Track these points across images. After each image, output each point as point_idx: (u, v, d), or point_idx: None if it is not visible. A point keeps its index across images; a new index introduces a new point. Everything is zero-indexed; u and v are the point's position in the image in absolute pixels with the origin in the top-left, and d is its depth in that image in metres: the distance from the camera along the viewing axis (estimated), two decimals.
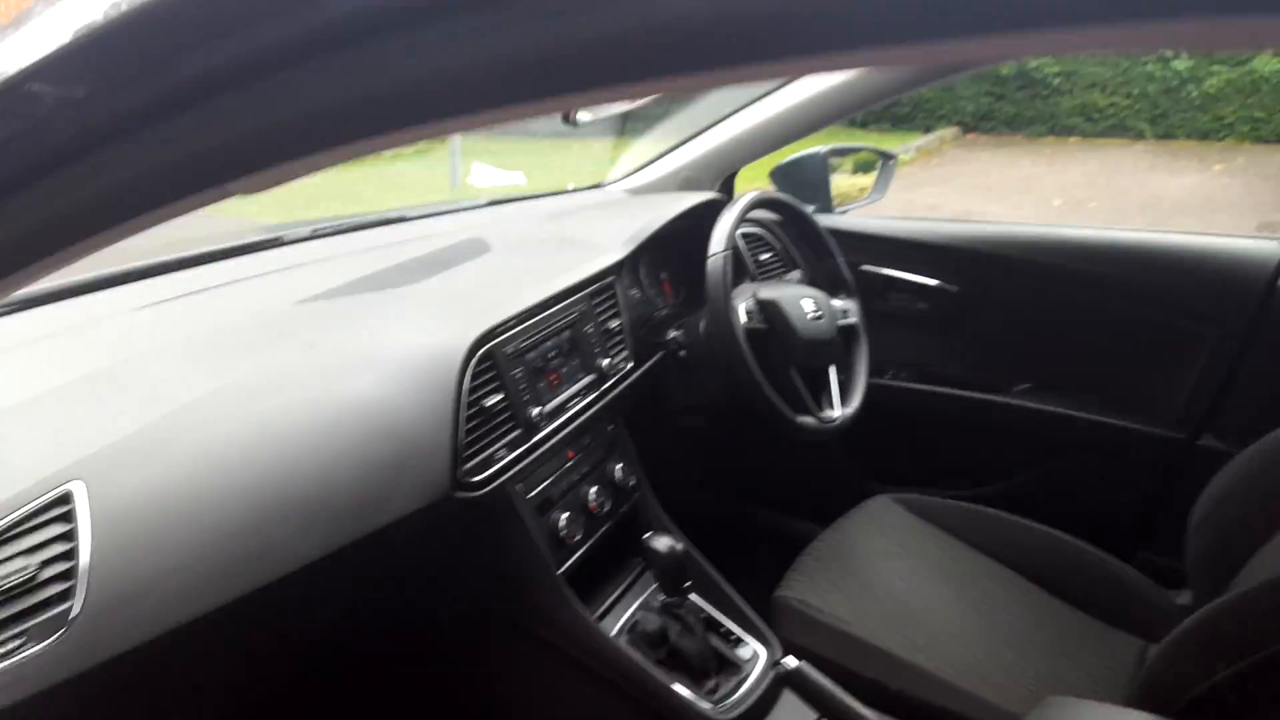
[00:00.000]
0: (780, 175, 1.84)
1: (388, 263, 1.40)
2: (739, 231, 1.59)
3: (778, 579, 1.38)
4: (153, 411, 0.96)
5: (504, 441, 1.20)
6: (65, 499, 0.85)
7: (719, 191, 1.86)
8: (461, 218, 1.74)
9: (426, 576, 1.27)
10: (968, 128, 10.20)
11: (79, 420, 0.94)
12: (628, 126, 2.02)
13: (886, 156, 1.98)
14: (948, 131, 10.00)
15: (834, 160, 1.90)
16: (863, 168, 2.25)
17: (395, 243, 1.54)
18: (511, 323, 1.23)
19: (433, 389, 1.12)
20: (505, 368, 1.21)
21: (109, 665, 0.84)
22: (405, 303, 1.26)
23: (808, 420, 1.43)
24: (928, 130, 10.04)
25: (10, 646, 0.78)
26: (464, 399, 1.13)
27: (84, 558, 0.83)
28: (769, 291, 1.47)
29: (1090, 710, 1.07)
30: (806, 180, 1.82)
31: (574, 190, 1.91)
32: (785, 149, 1.85)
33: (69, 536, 0.84)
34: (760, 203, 1.51)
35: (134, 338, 1.14)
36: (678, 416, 1.62)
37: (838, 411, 1.49)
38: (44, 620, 0.81)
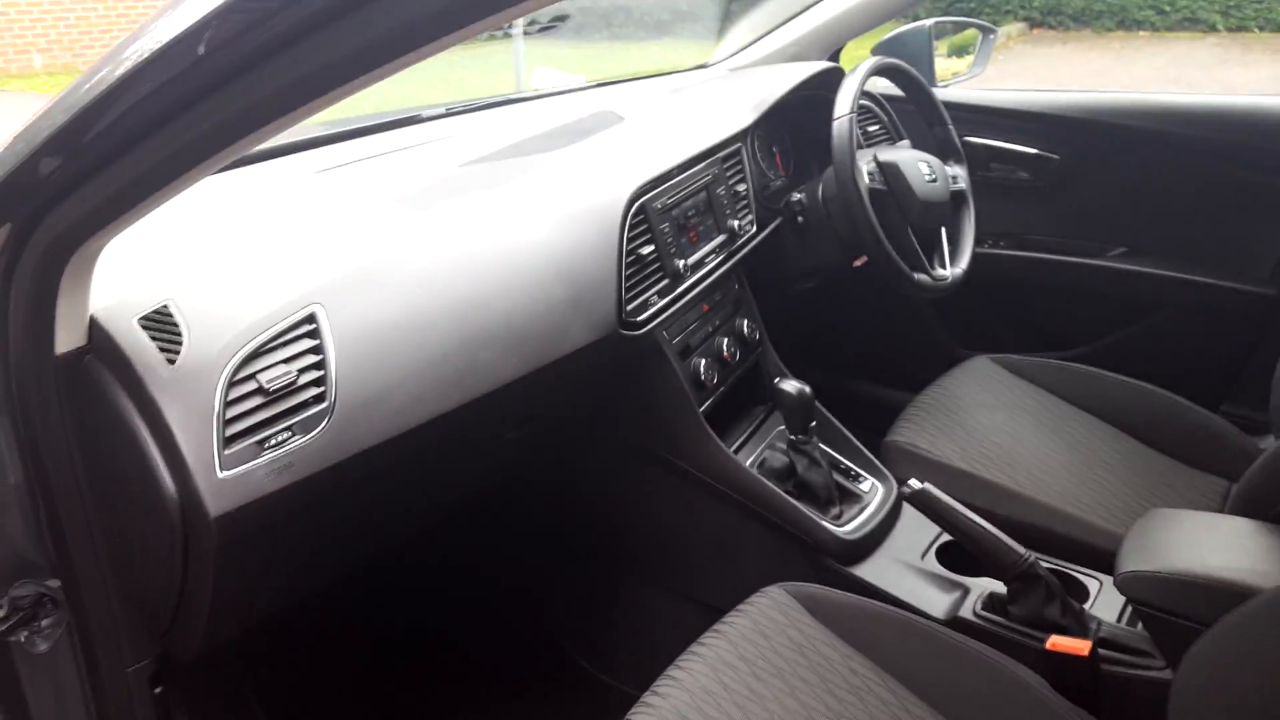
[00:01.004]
0: (885, 49, 1.89)
1: (533, 132, 1.51)
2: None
3: (882, 436, 1.50)
4: (371, 250, 1.10)
5: (655, 289, 1.33)
6: (311, 318, 0.99)
7: None
8: (581, 96, 1.83)
9: (589, 407, 1.42)
10: (1034, 23, 9.86)
11: (311, 257, 1.08)
12: (733, 7, 2.07)
13: (986, 31, 2.02)
14: (1014, 27, 9.69)
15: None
16: (956, 51, 2.29)
17: (527, 120, 1.64)
18: (660, 180, 1.35)
19: (599, 237, 1.25)
20: (655, 221, 1.33)
21: (358, 458, 1.00)
22: (562, 164, 1.37)
23: (923, 278, 1.53)
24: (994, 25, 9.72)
25: (283, 438, 0.94)
26: (624, 247, 1.26)
27: (331, 366, 0.98)
28: (888, 154, 1.55)
29: (1190, 518, 1.19)
30: (910, 55, 1.87)
31: (684, 70, 1.99)
32: (887, 25, 1.89)
33: (317, 350, 0.99)
34: (880, 69, 1.58)
35: (329, 193, 1.27)
36: (792, 280, 1.73)
37: (948, 271, 1.58)
38: (306, 418, 0.96)
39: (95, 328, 0.89)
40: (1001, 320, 2.00)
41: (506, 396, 1.15)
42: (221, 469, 0.88)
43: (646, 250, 1.31)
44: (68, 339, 0.88)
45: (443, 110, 1.69)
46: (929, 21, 1.88)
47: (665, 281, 1.35)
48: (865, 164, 1.52)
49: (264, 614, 1.12)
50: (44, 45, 9.87)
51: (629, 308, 1.27)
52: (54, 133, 0.72)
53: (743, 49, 1.97)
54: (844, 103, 1.48)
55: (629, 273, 1.28)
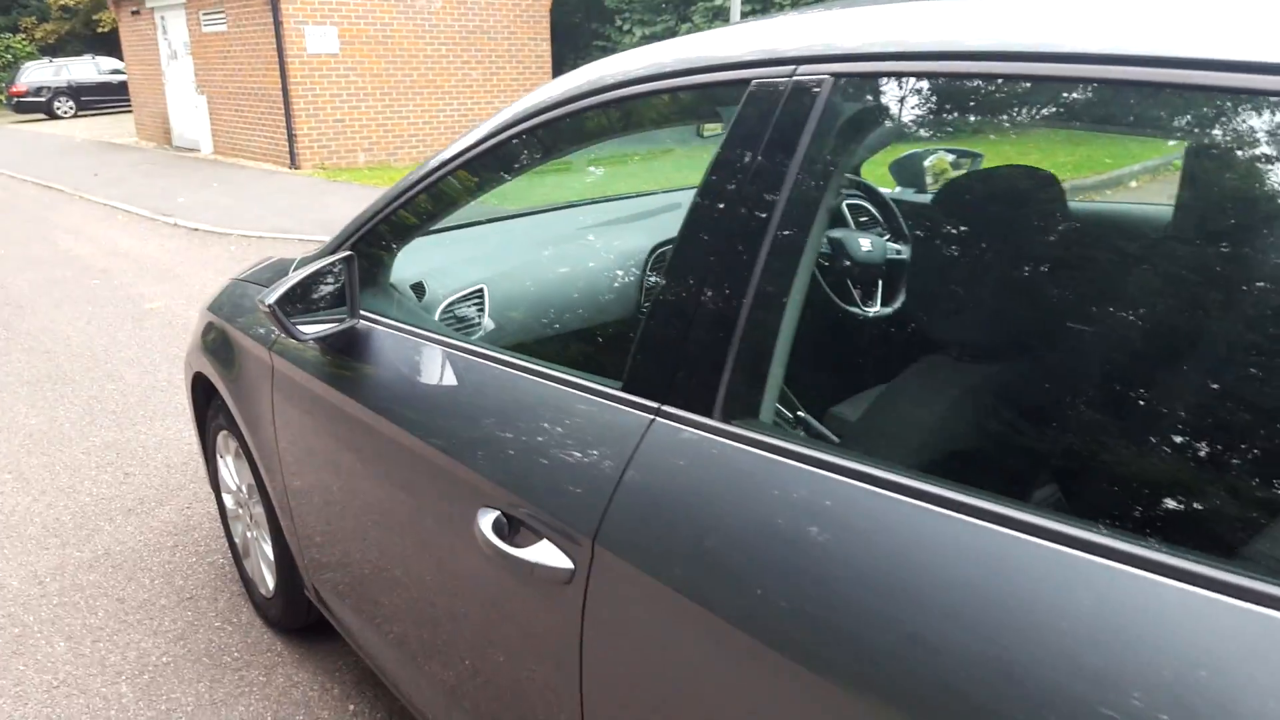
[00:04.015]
0: (896, 166, 2.80)
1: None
2: (846, 202, 2.58)
3: None
4: (521, 261, 2.21)
5: None
6: (480, 291, 2.10)
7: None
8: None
9: None
10: None
11: (486, 260, 2.20)
12: None
13: (977, 156, 2.85)
14: None
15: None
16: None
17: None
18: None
19: (633, 268, 2.28)
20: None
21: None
22: (633, 228, 2.43)
23: (851, 309, 2.41)
24: None
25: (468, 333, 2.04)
26: (645, 275, 2.29)
27: (487, 319, 2.07)
28: (837, 234, 2.47)
29: None
30: (913, 168, 2.76)
31: None
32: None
33: (481, 310, 2.09)
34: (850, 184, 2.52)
35: (514, 236, 2.42)
36: None
37: (875, 310, 2.44)
38: (474, 329, 2.05)
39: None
40: None
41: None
42: None
43: (653, 279, 2.32)
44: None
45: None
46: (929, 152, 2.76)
47: None
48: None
49: None
50: (366, 146, 12.51)
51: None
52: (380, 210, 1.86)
53: None
54: None
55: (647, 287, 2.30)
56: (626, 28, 16.20)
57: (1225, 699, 0.63)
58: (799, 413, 1.36)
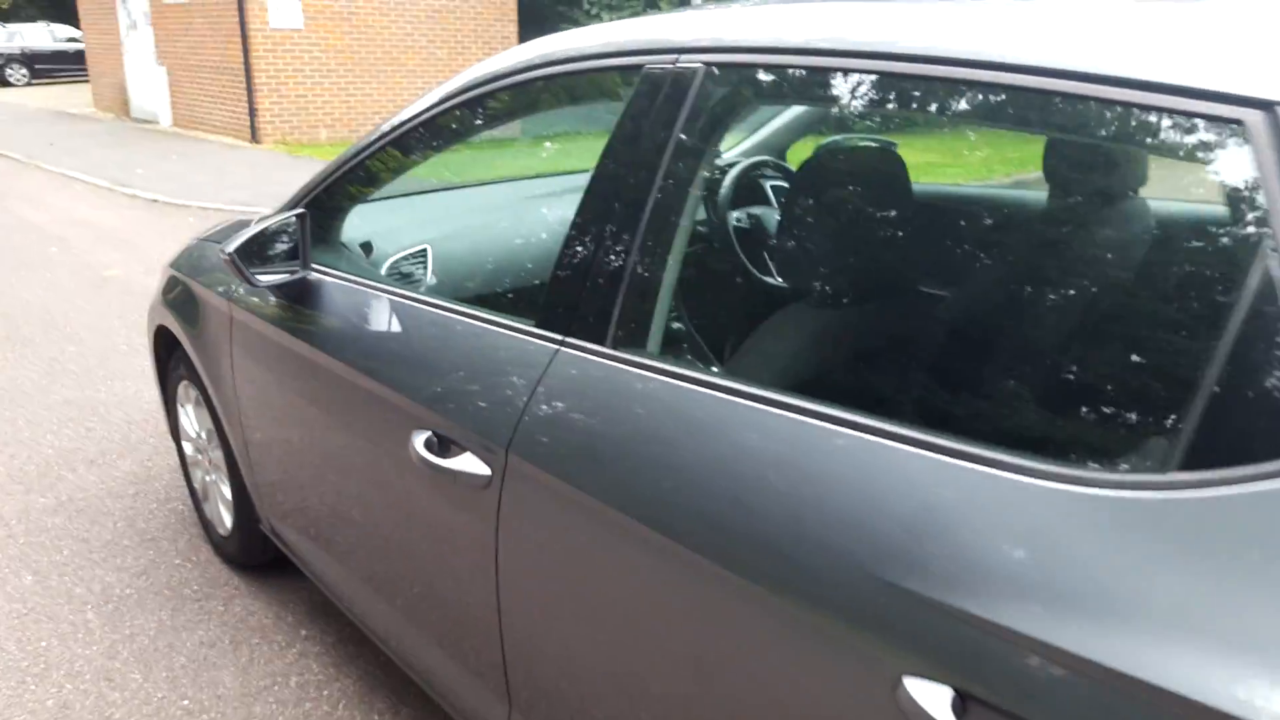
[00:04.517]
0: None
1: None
2: (770, 183, 2.81)
3: None
4: (463, 225, 2.41)
5: None
6: (424, 251, 2.29)
7: None
8: None
9: None
10: None
11: (432, 222, 2.40)
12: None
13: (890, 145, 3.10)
14: None
15: None
16: None
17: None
18: None
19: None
20: None
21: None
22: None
23: (767, 278, 2.64)
24: None
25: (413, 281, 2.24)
26: None
27: (429, 273, 2.27)
28: (758, 210, 2.69)
29: None
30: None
31: None
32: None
33: (425, 267, 2.28)
34: (756, 162, 2.74)
35: (458, 204, 2.61)
36: None
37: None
38: (419, 283, 2.26)
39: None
40: None
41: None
42: None
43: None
44: None
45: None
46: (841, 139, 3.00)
47: None
48: (738, 213, 2.66)
49: None
50: (329, 122, 12.52)
51: None
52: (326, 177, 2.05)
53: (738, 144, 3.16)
54: (729, 181, 2.65)
55: None
56: (594, 11, 16.30)
57: (947, 533, 0.87)
58: (683, 344, 1.59)
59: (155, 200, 8.21)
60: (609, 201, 1.31)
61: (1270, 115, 0.77)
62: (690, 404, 1.13)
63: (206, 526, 2.75)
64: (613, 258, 1.29)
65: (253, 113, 11.98)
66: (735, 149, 2.92)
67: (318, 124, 12.46)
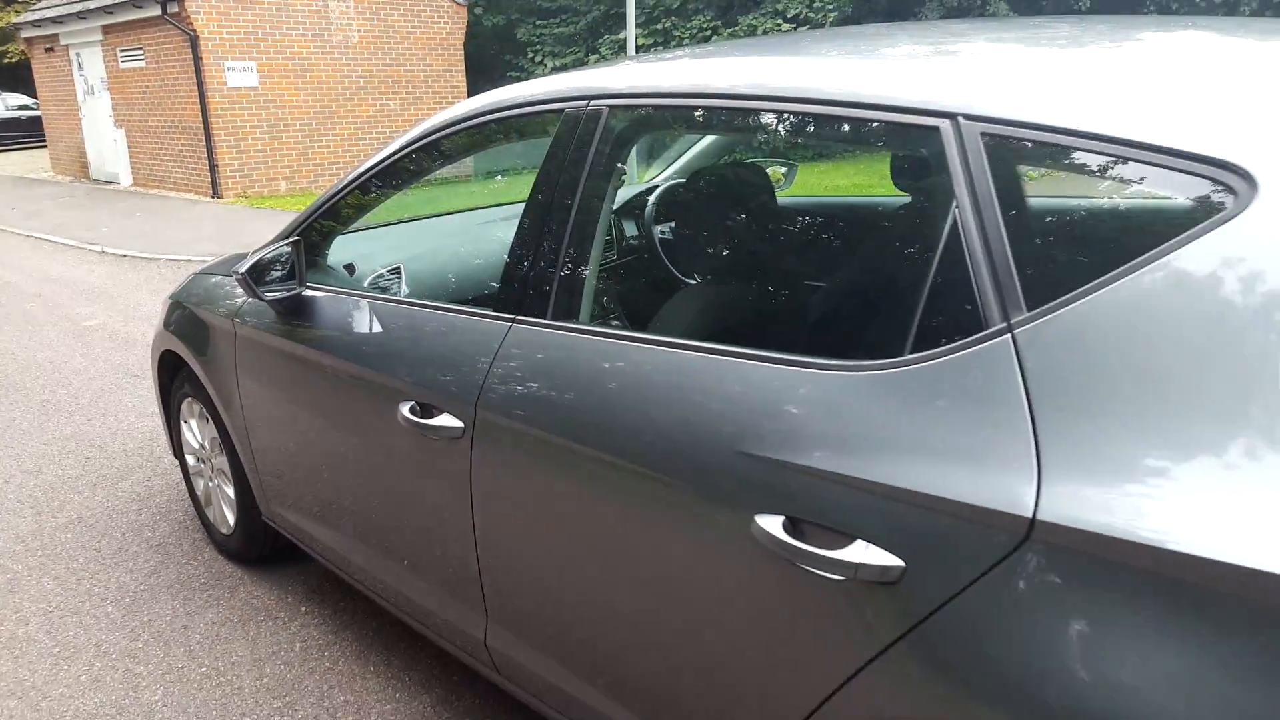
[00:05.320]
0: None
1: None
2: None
3: None
4: (429, 247, 2.81)
5: None
6: (398, 269, 2.70)
7: None
8: None
9: None
10: None
11: (402, 247, 2.80)
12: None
13: (792, 166, 3.56)
14: None
15: None
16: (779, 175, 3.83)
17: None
18: None
19: None
20: None
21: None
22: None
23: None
24: None
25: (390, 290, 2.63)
26: None
27: (403, 285, 2.67)
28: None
29: None
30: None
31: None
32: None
33: (399, 281, 2.68)
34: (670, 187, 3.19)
35: (425, 232, 3.02)
36: None
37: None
38: (395, 290, 2.65)
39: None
40: None
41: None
42: None
43: None
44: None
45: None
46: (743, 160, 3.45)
47: None
48: (662, 226, 3.10)
49: None
50: (288, 175, 12.88)
51: None
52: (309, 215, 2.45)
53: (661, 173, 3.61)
54: (652, 200, 3.08)
55: None
56: (539, 59, 16.92)
57: (777, 412, 1.28)
58: (607, 314, 2.02)
59: (125, 255, 8.50)
60: (544, 211, 1.73)
61: (954, 123, 1.20)
62: (611, 353, 1.54)
63: (209, 529, 3.09)
64: (549, 254, 1.70)
65: (213, 169, 12.31)
66: (661, 174, 3.37)
67: (277, 176, 12.81)
